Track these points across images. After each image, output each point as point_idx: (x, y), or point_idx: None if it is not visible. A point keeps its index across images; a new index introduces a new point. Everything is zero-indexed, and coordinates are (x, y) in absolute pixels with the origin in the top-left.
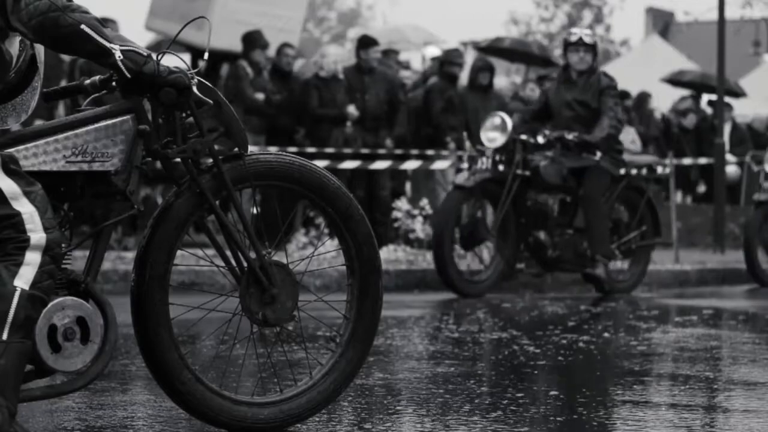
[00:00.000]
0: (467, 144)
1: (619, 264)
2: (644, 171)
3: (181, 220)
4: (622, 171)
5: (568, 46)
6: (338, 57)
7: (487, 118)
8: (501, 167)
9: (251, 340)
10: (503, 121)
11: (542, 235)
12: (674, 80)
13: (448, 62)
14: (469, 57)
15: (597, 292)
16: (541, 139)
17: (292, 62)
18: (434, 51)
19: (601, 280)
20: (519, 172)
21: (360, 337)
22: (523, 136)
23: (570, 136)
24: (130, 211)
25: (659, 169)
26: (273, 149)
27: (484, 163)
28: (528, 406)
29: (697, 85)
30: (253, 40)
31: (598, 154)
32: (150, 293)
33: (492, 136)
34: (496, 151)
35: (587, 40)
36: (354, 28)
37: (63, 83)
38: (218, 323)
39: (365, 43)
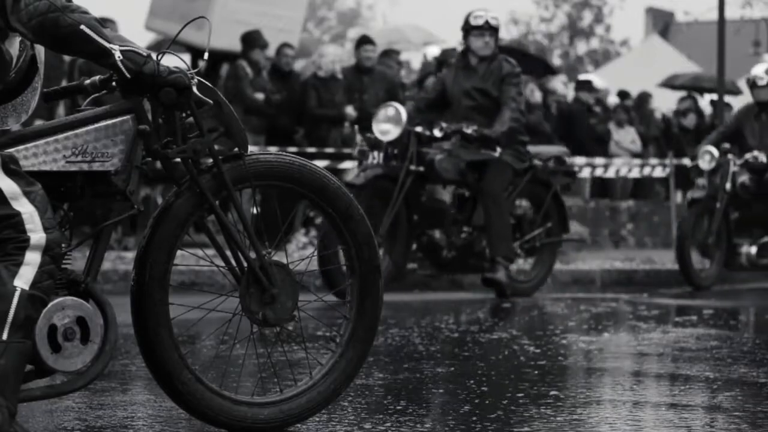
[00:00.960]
0: (358, 137)
1: (521, 263)
2: (551, 163)
3: (181, 220)
4: (526, 164)
5: (471, 29)
6: (336, 57)
7: (380, 108)
8: (394, 162)
9: (251, 340)
10: (397, 112)
11: (437, 233)
12: (668, 84)
13: (445, 62)
14: None
15: (498, 297)
16: (437, 132)
17: (291, 62)
18: (435, 51)
19: (502, 285)
20: (413, 167)
21: (360, 337)
22: (419, 128)
23: (469, 130)
24: (130, 211)
25: (567, 160)
26: (273, 149)
27: (375, 157)
28: (528, 406)
29: (688, 88)
30: (252, 40)
31: (498, 148)
32: (150, 293)
33: (385, 128)
34: (389, 144)
35: (493, 23)
36: (354, 28)
37: (64, 83)
38: (218, 323)
39: (360, 41)
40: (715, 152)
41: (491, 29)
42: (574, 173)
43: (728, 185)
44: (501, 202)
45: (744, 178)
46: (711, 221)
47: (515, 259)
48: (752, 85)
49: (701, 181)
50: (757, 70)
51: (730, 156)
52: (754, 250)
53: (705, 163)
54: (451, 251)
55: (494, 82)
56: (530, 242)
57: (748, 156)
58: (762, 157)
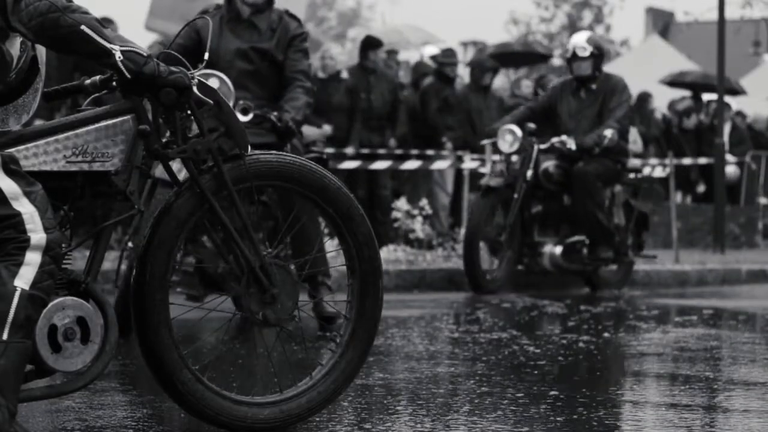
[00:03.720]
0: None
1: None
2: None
3: (182, 220)
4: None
5: None
6: (335, 56)
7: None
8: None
9: (251, 340)
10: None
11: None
12: (675, 82)
13: (442, 63)
14: (470, 57)
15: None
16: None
17: None
18: (432, 50)
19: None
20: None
21: (360, 337)
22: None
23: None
24: (130, 211)
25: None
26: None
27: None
28: (528, 406)
29: (698, 86)
30: None
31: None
32: (150, 293)
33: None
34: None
35: None
36: (354, 28)
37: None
38: (218, 323)
39: (372, 44)
40: (518, 132)
41: None
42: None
43: (530, 173)
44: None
45: (549, 164)
46: (506, 214)
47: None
48: (572, 57)
49: (499, 165)
50: (578, 40)
51: (534, 138)
52: (558, 250)
53: (505, 145)
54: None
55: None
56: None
57: (555, 140)
58: (571, 143)
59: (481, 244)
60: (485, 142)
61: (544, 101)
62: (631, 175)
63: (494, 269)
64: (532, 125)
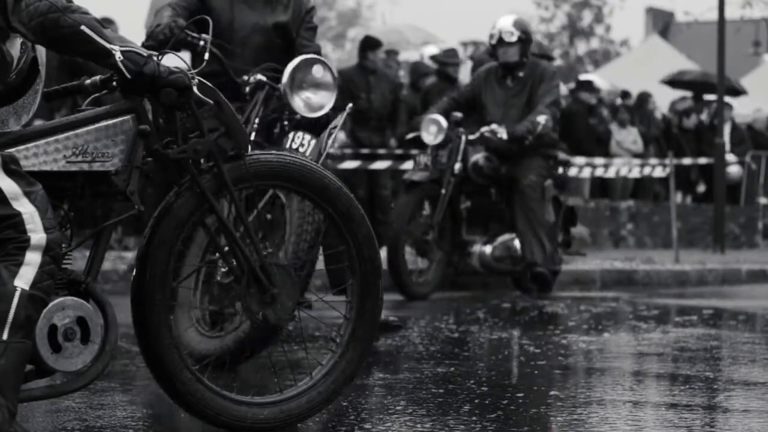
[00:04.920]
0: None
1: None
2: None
3: (182, 220)
4: None
5: None
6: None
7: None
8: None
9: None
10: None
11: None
12: (675, 81)
13: (444, 62)
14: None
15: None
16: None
17: None
18: (432, 50)
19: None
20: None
21: (360, 337)
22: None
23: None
24: (130, 211)
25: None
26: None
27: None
28: (528, 406)
29: (698, 85)
30: None
31: None
32: (150, 293)
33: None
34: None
35: None
36: (354, 28)
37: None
38: None
39: (371, 44)
40: (443, 122)
41: None
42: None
43: (458, 166)
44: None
45: (479, 157)
46: (433, 211)
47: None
48: (498, 42)
49: (423, 158)
50: (504, 23)
51: (461, 129)
52: (489, 249)
53: (429, 136)
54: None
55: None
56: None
57: (484, 129)
58: (502, 132)
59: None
60: (410, 135)
61: (468, 91)
62: (560, 170)
63: (424, 271)
64: (458, 114)
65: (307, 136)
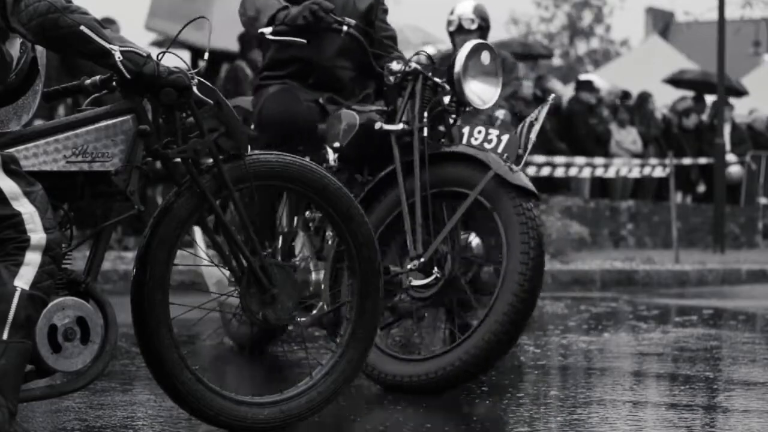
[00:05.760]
0: None
1: None
2: None
3: (182, 220)
4: None
5: None
6: None
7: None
8: None
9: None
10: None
11: None
12: (675, 80)
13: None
14: None
15: None
16: None
17: None
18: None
19: None
20: None
21: (360, 337)
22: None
23: None
24: (130, 211)
25: None
26: None
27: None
28: (528, 406)
29: (698, 84)
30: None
31: None
32: (150, 293)
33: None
34: None
35: None
36: None
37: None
38: (218, 323)
39: None
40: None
41: None
42: None
43: None
44: None
45: None
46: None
47: None
48: (457, 29)
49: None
50: (464, 10)
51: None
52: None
53: None
54: None
55: None
56: None
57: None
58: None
59: None
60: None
61: None
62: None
63: None
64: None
65: (494, 131)
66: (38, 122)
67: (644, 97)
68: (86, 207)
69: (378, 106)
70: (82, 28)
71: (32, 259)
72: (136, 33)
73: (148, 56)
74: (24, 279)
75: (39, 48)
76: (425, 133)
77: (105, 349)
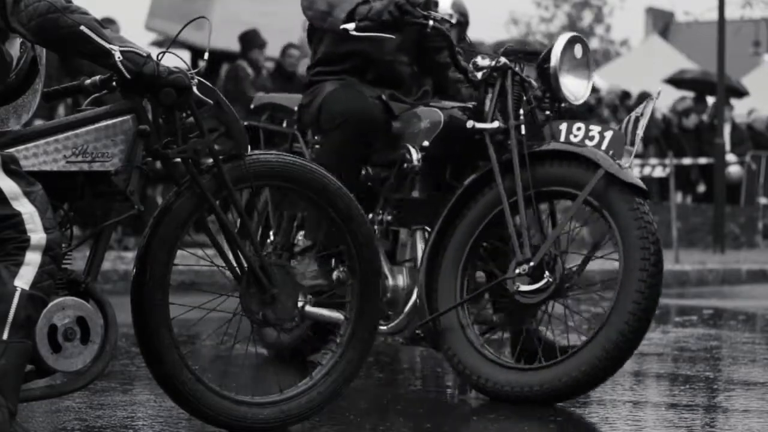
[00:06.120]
0: None
1: None
2: None
3: (182, 220)
4: None
5: None
6: None
7: None
8: None
9: (251, 340)
10: None
11: None
12: (676, 80)
13: None
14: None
15: None
16: None
17: (296, 63)
18: None
19: None
20: None
21: (360, 337)
22: None
23: None
24: (130, 211)
25: None
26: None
27: None
28: (528, 406)
29: (699, 83)
30: (250, 39)
31: None
32: (150, 293)
33: None
34: None
35: None
36: None
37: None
38: (218, 323)
39: None
40: None
41: None
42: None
43: None
44: None
45: None
46: None
47: None
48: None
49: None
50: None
51: None
52: None
53: None
54: None
55: None
56: None
57: None
58: None
59: None
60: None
61: None
62: None
63: None
64: None
65: (595, 127)
66: (38, 122)
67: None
68: (86, 207)
69: (455, 103)
70: (82, 28)
71: (32, 259)
72: (136, 33)
73: (148, 56)
74: (24, 279)
75: (38, 46)
76: (523, 131)
77: (105, 349)
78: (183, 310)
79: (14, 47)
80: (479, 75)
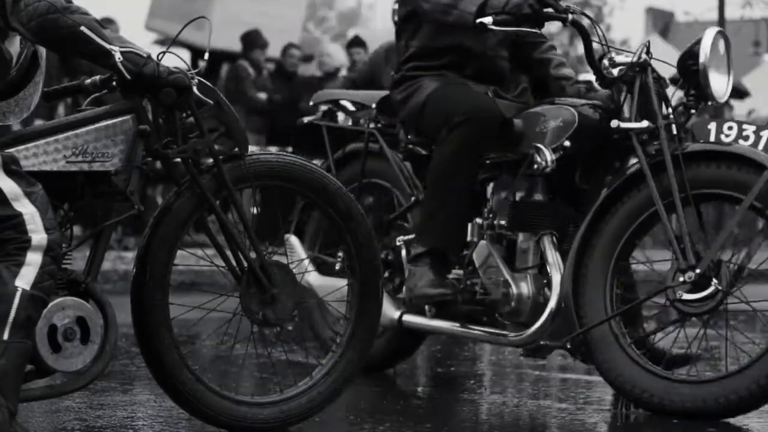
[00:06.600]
0: None
1: None
2: None
3: (182, 220)
4: None
5: None
6: (333, 54)
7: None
8: None
9: (251, 340)
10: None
11: None
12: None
13: None
14: None
15: None
16: None
17: (297, 63)
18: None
19: None
20: None
21: (360, 337)
22: None
23: None
24: (130, 211)
25: None
26: (273, 149)
27: None
28: (528, 406)
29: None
30: (251, 39)
31: None
32: (150, 293)
33: None
34: None
35: None
36: (354, 28)
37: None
38: (218, 323)
39: (355, 44)
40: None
41: None
42: None
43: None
44: None
45: None
46: None
47: None
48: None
49: None
50: None
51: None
52: None
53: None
54: None
55: None
56: None
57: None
58: None
59: None
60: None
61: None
62: None
63: None
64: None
65: (750, 127)
66: (38, 122)
67: None
68: (86, 207)
69: (582, 100)
70: (82, 28)
71: (33, 260)
72: (136, 33)
73: (148, 56)
74: (25, 279)
75: None
76: (674, 131)
77: (105, 349)
78: (183, 310)
79: (14, 45)
80: (615, 72)
